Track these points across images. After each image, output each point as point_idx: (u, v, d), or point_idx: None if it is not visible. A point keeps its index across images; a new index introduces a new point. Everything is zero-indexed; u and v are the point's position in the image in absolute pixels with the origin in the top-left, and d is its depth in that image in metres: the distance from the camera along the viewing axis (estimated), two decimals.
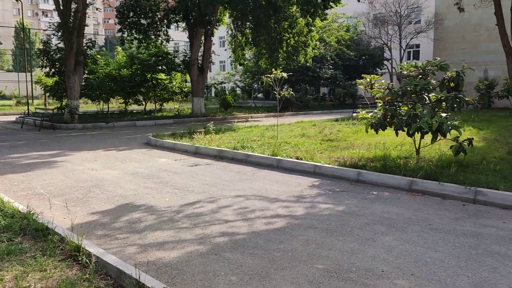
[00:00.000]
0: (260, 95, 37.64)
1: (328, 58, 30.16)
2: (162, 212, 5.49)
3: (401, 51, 31.52)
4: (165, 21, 21.32)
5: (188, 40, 21.88)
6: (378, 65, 32.76)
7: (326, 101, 35.58)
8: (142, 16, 20.24)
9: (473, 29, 26.65)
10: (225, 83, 29.61)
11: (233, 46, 24.16)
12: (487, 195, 5.75)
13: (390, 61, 32.80)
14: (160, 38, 21.70)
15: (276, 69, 11.79)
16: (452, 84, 7.93)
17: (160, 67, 22.20)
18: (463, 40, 27.41)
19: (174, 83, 23.39)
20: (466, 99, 7.68)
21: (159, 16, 20.94)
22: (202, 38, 21.56)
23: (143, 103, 23.39)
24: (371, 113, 8.42)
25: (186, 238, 4.51)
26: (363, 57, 32.21)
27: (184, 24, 22.10)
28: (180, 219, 5.16)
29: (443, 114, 7.54)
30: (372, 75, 8.76)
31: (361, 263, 3.84)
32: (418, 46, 34.65)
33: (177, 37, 35.77)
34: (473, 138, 7.63)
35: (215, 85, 27.64)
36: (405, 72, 8.32)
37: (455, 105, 7.52)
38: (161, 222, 5.07)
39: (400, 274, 3.61)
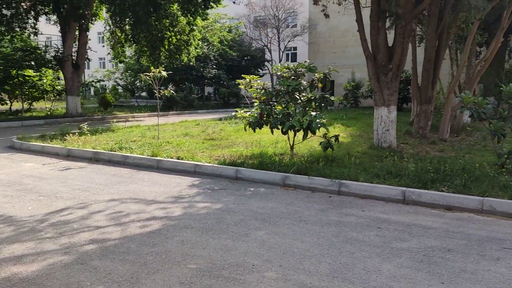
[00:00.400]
0: (144, 94, 36.38)
1: (212, 58, 30.41)
2: (23, 222, 4.97)
3: (280, 53, 33.13)
4: (32, 12, 19.40)
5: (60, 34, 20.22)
6: (260, 66, 34.01)
7: (211, 100, 35.85)
8: (4, 6, 18.14)
9: (341, 34, 29.11)
10: (104, 81, 27.94)
11: (112, 43, 22.97)
12: (349, 186, 6.32)
13: (270, 62, 34.25)
14: (27, 31, 19.69)
15: (158, 67, 11.51)
16: (320, 85, 8.57)
17: (27, 63, 20.11)
18: (333, 44, 29.78)
19: (45, 81, 21.39)
20: (332, 98, 8.35)
21: (24, 6, 18.97)
22: (77, 32, 20.11)
23: (8, 102, 21.00)
24: (249, 112, 8.70)
25: (49, 249, 4.14)
26: (246, 58, 33.14)
27: (55, 17, 20.36)
28: (44, 229, 4.73)
29: (313, 113, 8.11)
30: (251, 76, 9.05)
31: (234, 259, 3.93)
32: (295, 48, 36.75)
33: (50, 30, 32.89)
34: (339, 135, 8.33)
35: (93, 83, 25.95)
36: (278, 73, 8.74)
37: (323, 104, 8.14)
38: (21, 233, 4.59)
39: (269, 266, 3.77)
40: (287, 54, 36.95)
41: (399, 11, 9.01)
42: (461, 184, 5.94)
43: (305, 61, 8.79)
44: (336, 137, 8.15)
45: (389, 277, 3.55)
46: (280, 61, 32.96)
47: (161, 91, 11.48)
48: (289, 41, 33.34)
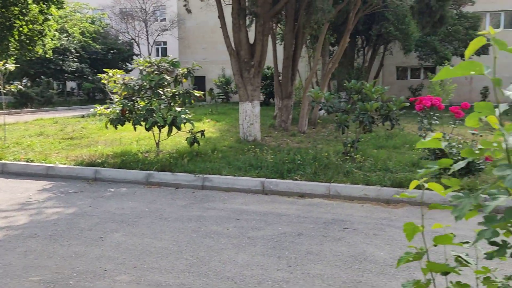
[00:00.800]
0: None
1: (73, 50, 28.16)
2: None
3: (149, 47, 32.16)
4: None
5: None
6: (128, 60, 32.58)
7: (75, 96, 33.29)
8: None
9: (211, 30, 29.41)
10: None
11: None
12: (213, 180, 6.42)
13: (139, 56, 33.04)
14: None
15: (6, 59, 10.23)
16: (185, 80, 8.53)
17: None
18: (203, 40, 29.97)
19: None
20: (196, 94, 8.36)
21: None
22: None
23: None
24: (110, 109, 8.26)
25: None
26: (112, 51, 31.43)
27: None
28: None
29: (178, 108, 8.04)
30: (114, 70, 8.59)
31: (84, 266, 3.69)
32: (165, 43, 35.97)
33: None
34: (204, 130, 8.38)
35: None
36: (140, 68, 8.45)
37: (186, 100, 8.11)
38: None
39: (123, 269, 3.63)
40: (157, 49, 36.02)
41: (257, 10, 9.41)
42: (312, 172, 6.47)
43: (168, 56, 8.66)
44: (202, 132, 8.20)
45: (243, 266, 3.69)
46: (149, 55, 31.91)
47: (7, 86, 10.23)
48: (158, 35, 32.52)
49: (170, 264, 3.72)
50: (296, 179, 6.28)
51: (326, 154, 7.48)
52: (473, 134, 6.09)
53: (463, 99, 10.24)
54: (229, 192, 6.22)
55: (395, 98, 7.32)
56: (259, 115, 10.33)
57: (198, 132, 8.13)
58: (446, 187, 1.27)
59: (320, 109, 7.49)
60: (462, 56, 19.88)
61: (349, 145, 7.45)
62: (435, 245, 1.33)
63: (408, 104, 7.16)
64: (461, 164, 1.21)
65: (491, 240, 1.05)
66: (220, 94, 27.75)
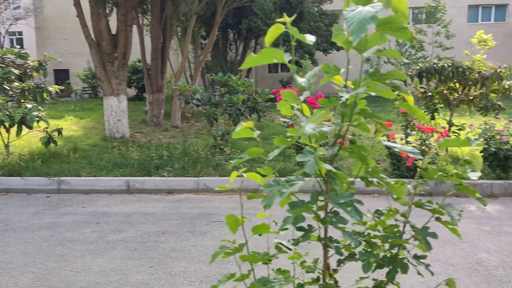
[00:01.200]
0: None
1: None
2: None
3: (0, 38, 28.53)
4: None
5: None
6: None
7: None
8: None
9: (73, 20, 27.08)
10: None
11: None
12: (70, 183, 5.89)
13: None
14: None
15: None
16: (36, 74, 7.70)
17: None
18: (64, 30, 27.54)
19: None
20: (50, 89, 7.60)
21: None
22: None
23: None
24: None
25: None
26: None
27: None
28: None
29: (29, 105, 7.22)
30: None
31: None
32: (21, 33, 32.29)
33: None
34: (62, 128, 7.66)
35: None
36: None
37: (38, 96, 7.33)
38: None
39: None
40: (11, 40, 32.12)
41: None
42: (181, 167, 6.34)
43: (15, 47, 7.71)
44: (59, 130, 7.49)
45: (98, 273, 3.42)
46: (2, 47, 28.35)
47: None
48: (11, 25, 28.96)
49: (13, 280, 3.28)
50: (164, 176, 6.09)
51: (195, 148, 7.41)
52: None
53: (329, 90, 11.01)
54: (90, 194, 5.77)
55: (261, 90, 7.54)
56: (126, 110, 9.82)
57: (55, 130, 7.41)
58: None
59: (188, 103, 7.37)
60: (324, 50, 21.42)
61: (219, 138, 7.48)
62: (260, 235, 1.33)
63: (272, 96, 7.42)
64: (276, 152, 1.20)
65: (297, 226, 1.05)
66: (87, 89, 25.89)
